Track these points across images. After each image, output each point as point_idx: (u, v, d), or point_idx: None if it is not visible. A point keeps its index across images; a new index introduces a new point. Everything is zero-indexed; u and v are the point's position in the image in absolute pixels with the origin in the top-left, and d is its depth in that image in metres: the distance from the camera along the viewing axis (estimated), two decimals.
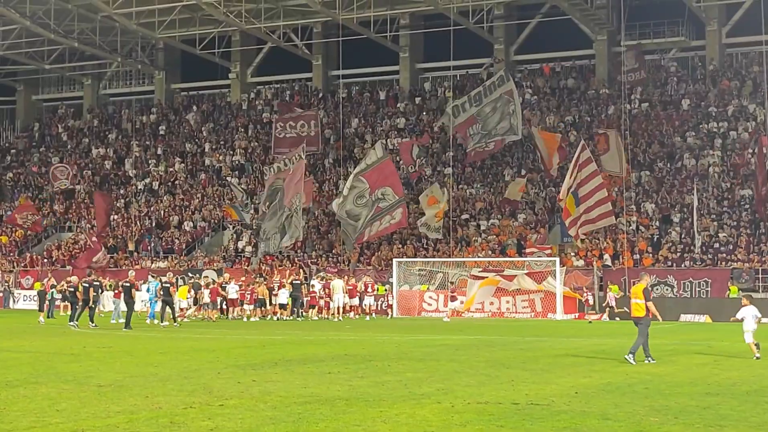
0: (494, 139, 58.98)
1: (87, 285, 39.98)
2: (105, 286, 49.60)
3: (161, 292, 41.41)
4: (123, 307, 41.27)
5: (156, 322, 41.86)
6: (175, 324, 40.36)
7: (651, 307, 23.51)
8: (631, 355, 22.48)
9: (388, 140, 67.52)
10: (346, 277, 50.81)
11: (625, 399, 16.05)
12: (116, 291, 45.84)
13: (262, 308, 47.60)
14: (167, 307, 40.85)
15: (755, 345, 24.40)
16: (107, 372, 20.12)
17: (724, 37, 68.99)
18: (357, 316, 48.84)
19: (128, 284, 40.08)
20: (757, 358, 23.90)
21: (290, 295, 47.44)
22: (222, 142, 75.00)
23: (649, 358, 22.76)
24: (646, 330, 23.07)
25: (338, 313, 47.65)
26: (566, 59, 73.57)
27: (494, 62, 73.20)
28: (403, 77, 76.77)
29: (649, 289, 24.66)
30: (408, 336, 33.65)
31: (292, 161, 55.39)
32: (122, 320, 40.37)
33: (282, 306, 47.58)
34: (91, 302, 39.85)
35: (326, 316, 48.19)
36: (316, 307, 48.92)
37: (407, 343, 29.52)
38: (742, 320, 24.73)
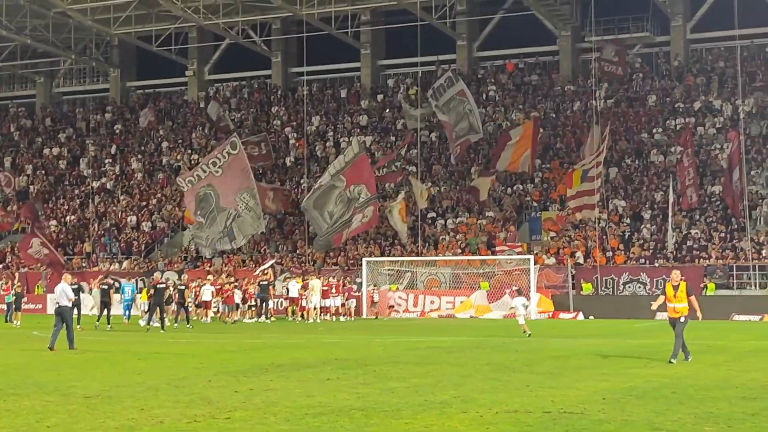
0: (459, 142, 57.88)
1: (106, 287, 40.70)
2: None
3: (177, 295, 41.68)
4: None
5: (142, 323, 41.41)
6: (188, 326, 40.44)
7: (694, 303, 22.42)
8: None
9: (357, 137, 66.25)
10: (323, 277, 49.55)
11: (660, 405, 14.94)
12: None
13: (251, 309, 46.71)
14: (182, 309, 41.43)
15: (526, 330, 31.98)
16: (90, 381, 18.69)
17: (689, 33, 68.50)
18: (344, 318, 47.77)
19: (183, 286, 41.80)
20: (529, 335, 31.53)
21: (258, 296, 46.03)
22: (180, 141, 73.32)
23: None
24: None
25: (314, 314, 46.44)
26: (530, 55, 72.72)
27: (438, 64, 72.17)
28: (364, 74, 75.52)
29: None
30: (390, 338, 32.44)
31: (219, 161, 53.05)
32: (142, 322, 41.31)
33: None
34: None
35: (297, 318, 47.10)
36: (296, 307, 47.92)
37: (393, 346, 28.32)
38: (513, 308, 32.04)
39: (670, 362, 21.63)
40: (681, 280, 22.55)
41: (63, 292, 27.47)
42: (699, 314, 22.96)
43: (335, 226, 51.95)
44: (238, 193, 51.92)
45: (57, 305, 27.31)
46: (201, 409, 14.67)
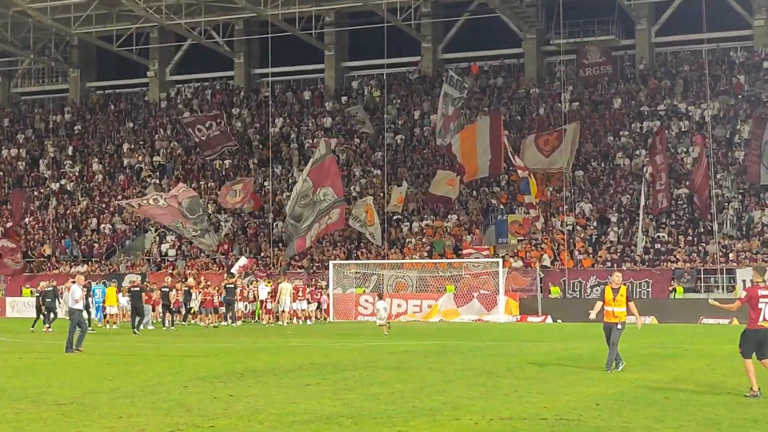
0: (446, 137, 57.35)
1: (138, 290, 40.51)
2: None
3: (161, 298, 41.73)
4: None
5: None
6: (172, 328, 40.90)
7: (633, 310, 21.33)
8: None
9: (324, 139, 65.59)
10: (297, 280, 48.99)
11: (656, 411, 14.54)
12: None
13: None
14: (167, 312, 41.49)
15: (387, 325, 35.95)
16: (60, 388, 18.00)
17: (654, 36, 68.46)
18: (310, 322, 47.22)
19: (167, 288, 41.42)
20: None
21: (224, 300, 45.29)
22: (141, 143, 72.33)
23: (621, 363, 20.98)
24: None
25: (284, 317, 45.88)
26: (495, 58, 72.39)
27: (420, 67, 71.82)
28: (328, 76, 74.84)
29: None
30: (362, 342, 31.86)
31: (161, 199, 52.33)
32: (150, 327, 41.17)
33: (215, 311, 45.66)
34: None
35: (264, 321, 46.61)
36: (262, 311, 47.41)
37: (368, 350, 27.77)
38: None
39: (607, 371, 20.51)
40: (621, 284, 21.35)
41: (73, 295, 27.49)
42: (639, 322, 22.27)
43: (299, 231, 51.22)
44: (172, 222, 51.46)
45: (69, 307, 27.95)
46: (182, 417, 14.07)
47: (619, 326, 20.74)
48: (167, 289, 41.86)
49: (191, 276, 51.50)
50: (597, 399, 15.95)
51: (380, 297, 40.07)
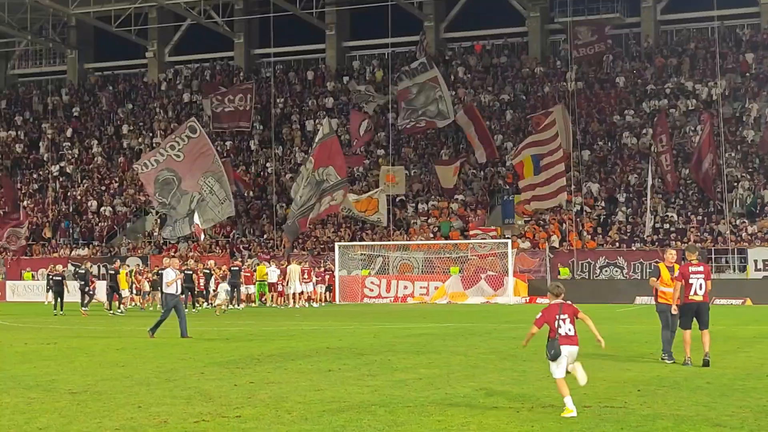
0: (423, 119, 56.59)
1: (190, 272, 40.50)
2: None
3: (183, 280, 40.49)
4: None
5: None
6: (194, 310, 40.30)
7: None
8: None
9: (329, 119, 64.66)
10: (303, 262, 48.28)
11: (703, 397, 13.83)
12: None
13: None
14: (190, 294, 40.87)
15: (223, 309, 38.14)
16: (71, 374, 17.25)
17: (659, 14, 67.62)
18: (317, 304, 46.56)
19: (189, 271, 40.53)
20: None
21: (229, 282, 44.46)
22: (141, 124, 71.47)
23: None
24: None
25: (293, 299, 45.24)
26: (498, 37, 71.50)
27: (423, 45, 70.82)
28: (329, 55, 73.99)
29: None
30: (374, 324, 31.15)
31: (177, 144, 50.89)
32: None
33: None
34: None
35: (276, 304, 46.02)
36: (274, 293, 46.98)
37: (382, 333, 27.03)
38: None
39: (668, 360, 18.56)
40: (675, 262, 19.29)
41: (166, 278, 26.57)
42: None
43: (302, 209, 50.30)
44: (201, 176, 49.99)
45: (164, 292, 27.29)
46: (204, 406, 13.32)
47: (674, 310, 18.49)
48: (190, 272, 41.25)
49: (192, 259, 50.84)
50: (636, 384, 15.25)
51: (224, 279, 42.22)
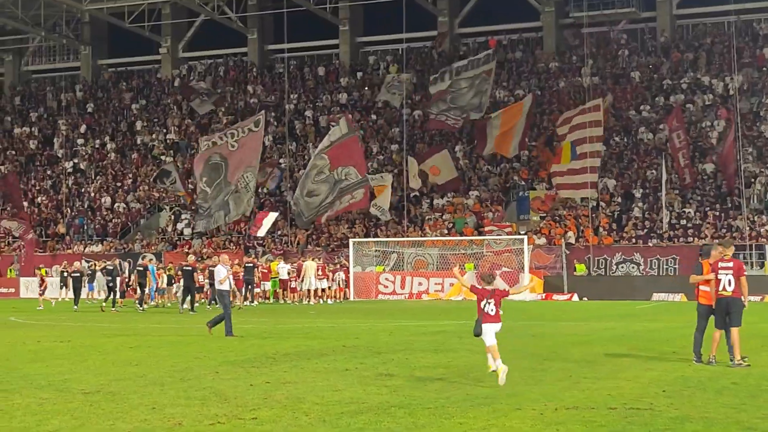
0: (461, 116, 55.82)
1: (190, 269, 39.68)
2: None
3: (182, 277, 40.92)
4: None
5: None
6: (192, 312, 38.31)
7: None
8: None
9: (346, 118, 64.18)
10: (318, 259, 47.97)
11: (731, 399, 13.46)
12: (176, 275, 44.15)
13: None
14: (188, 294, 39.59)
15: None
16: (83, 374, 16.97)
17: (675, 8, 67.08)
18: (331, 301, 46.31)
19: (189, 268, 39.56)
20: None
21: (243, 279, 44.24)
22: (154, 120, 71.28)
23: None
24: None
25: (309, 296, 45.00)
26: (512, 32, 71.09)
27: (438, 42, 70.45)
28: (343, 51, 73.68)
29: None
30: (391, 322, 30.85)
31: (236, 134, 50.93)
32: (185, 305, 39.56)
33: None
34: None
35: (290, 300, 45.74)
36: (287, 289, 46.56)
37: (398, 331, 26.74)
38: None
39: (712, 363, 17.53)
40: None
41: (218, 275, 26.04)
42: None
43: (319, 208, 49.96)
44: (243, 169, 49.82)
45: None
46: (219, 408, 13.02)
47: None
48: (190, 269, 41.00)
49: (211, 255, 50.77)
50: (661, 385, 14.87)
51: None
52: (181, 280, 41.17)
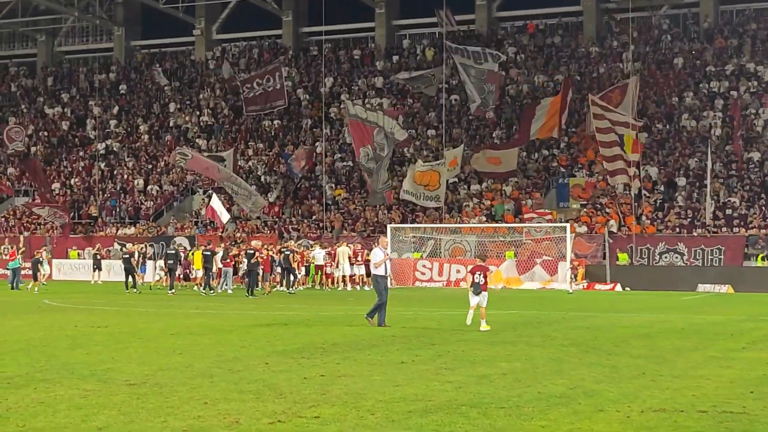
0: (476, 104, 54.79)
1: (209, 253, 40.82)
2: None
3: (203, 261, 41.34)
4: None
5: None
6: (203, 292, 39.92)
7: None
8: None
9: (367, 101, 63.32)
10: (352, 244, 47.11)
11: None
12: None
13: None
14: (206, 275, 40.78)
15: None
16: (126, 363, 16.12)
17: None
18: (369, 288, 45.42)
19: (209, 252, 40.98)
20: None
21: (279, 265, 43.35)
22: (188, 102, 70.53)
23: None
24: None
25: (343, 282, 44.16)
26: (552, 16, 69.85)
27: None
28: (378, 34, 72.69)
29: None
30: (433, 310, 29.93)
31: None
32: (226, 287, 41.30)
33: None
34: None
35: (326, 287, 44.96)
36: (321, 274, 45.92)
37: (445, 320, 25.84)
38: None
39: None
40: None
41: (374, 258, 24.36)
42: None
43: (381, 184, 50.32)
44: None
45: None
46: (277, 404, 12.09)
47: None
48: (209, 253, 41.43)
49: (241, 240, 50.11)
50: (745, 384, 13.86)
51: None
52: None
